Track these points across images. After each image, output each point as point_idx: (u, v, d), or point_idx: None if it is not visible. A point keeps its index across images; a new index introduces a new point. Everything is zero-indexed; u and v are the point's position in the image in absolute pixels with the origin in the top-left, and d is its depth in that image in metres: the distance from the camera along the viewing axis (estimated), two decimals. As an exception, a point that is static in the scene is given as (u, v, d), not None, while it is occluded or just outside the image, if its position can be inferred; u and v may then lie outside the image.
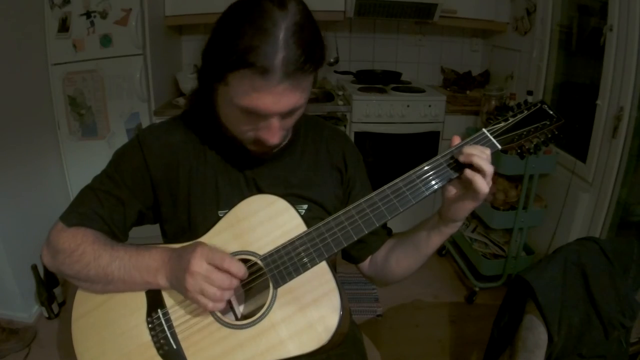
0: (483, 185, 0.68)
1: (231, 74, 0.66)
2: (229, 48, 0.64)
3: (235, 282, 0.70)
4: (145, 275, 0.75)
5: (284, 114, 0.69)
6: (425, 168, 0.72)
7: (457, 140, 0.73)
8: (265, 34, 0.63)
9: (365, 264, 0.95)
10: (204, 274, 0.68)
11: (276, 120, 0.70)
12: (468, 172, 0.68)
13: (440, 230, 0.79)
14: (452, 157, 0.72)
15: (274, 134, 0.71)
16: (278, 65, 0.63)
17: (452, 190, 0.74)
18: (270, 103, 0.66)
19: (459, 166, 0.71)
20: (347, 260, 0.96)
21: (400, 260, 0.87)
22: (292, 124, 0.76)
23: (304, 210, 0.85)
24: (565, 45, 2.16)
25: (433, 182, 0.71)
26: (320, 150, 0.91)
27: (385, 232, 0.94)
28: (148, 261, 0.76)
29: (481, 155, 0.67)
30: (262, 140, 0.72)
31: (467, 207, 0.73)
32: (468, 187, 0.70)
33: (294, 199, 0.83)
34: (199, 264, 0.69)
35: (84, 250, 0.77)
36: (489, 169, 0.67)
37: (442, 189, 0.75)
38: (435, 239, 0.81)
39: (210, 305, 0.69)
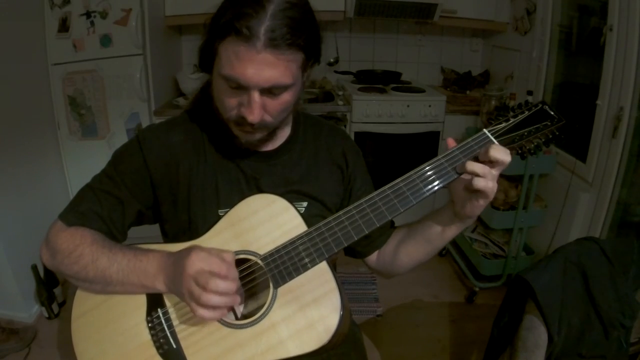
0: (483, 183, 0.69)
1: (220, 43, 0.69)
2: (222, 18, 0.68)
3: (232, 287, 0.68)
4: (144, 280, 0.75)
5: (264, 89, 0.69)
6: (426, 168, 0.72)
7: (452, 142, 0.73)
8: (255, 5, 0.66)
9: (372, 258, 0.95)
10: (198, 279, 0.67)
11: (257, 96, 0.70)
12: (475, 181, 0.69)
13: (457, 225, 0.80)
14: (453, 158, 0.72)
15: (253, 110, 0.70)
16: (261, 34, 0.65)
17: (460, 190, 0.75)
18: (251, 72, 0.67)
19: (460, 167, 0.71)
20: (352, 255, 0.96)
21: (412, 254, 0.88)
22: (278, 110, 0.74)
23: (303, 208, 0.85)
24: (565, 45, 2.17)
25: (434, 183, 0.71)
26: (319, 147, 0.91)
27: (390, 225, 0.94)
28: (146, 266, 0.75)
29: (486, 176, 0.69)
30: (242, 116, 0.72)
31: (481, 204, 0.74)
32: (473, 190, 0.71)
33: (293, 196, 0.83)
34: (193, 267, 0.68)
35: (82, 251, 0.77)
36: (491, 183, 0.69)
37: (451, 188, 0.75)
38: (450, 233, 0.81)
39: (204, 312, 0.67)
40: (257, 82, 0.68)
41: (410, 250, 0.88)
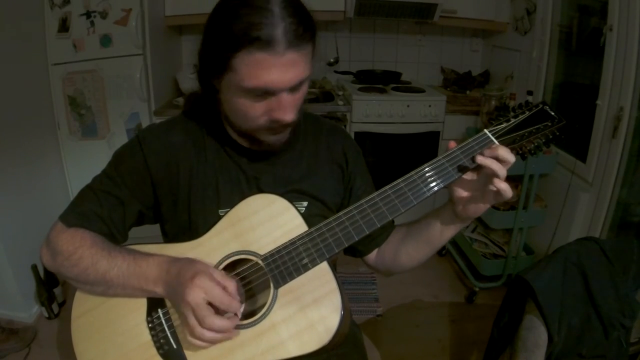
0: (509, 191, 0.69)
1: (235, 57, 0.66)
2: (229, 32, 0.66)
3: (229, 325, 0.69)
4: (144, 284, 0.75)
5: (292, 87, 0.70)
6: (427, 168, 0.72)
7: (453, 145, 0.73)
8: (261, 11, 0.65)
9: (371, 256, 0.95)
10: (196, 310, 0.67)
11: (287, 96, 0.70)
12: (497, 182, 0.69)
13: (456, 225, 0.80)
14: (454, 158, 0.72)
15: (288, 111, 0.71)
16: (280, 36, 0.64)
17: (463, 192, 0.75)
18: (279, 77, 0.67)
19: (461, 168, 0.71)
20: (351, 254, 0.95)
21: (412, 254, 0.88)
22: (301, 101, 0.75)
23: (304, 208, 0.85)
24: (565, 45, 2.16)
25: (434, 183, 0.72)
26: (320, 146, 0.91)
27: (390, 223, 0.94)
28: (145, 270, 0.75)
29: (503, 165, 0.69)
30: (277, 120, 0.72)
31: (485, 206, 0.74)
32: (487, 190, 0.71)
33: (294, 196, 0.83)
34: (193, 297, 0.67)
35: (82, 254, 0.76)
36: (503, 174, 0.69)
37: (452, 191, 0.75)
38: (449, 233, 0.82)
39: (195, 342, 0.69)
40: (285, 84, 0.68)
41: (410, 251, 0.88)
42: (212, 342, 0.70)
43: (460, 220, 0.79)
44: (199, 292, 0.67)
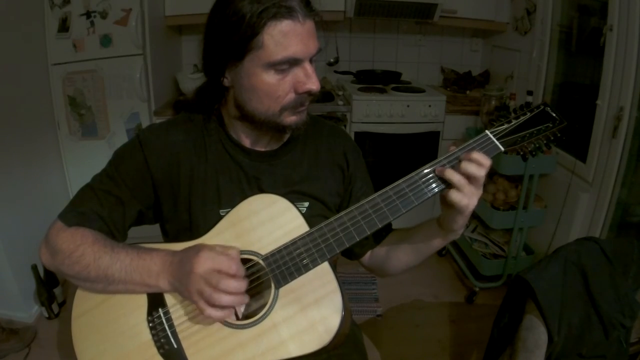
0: (457, 198, 0.68)
1: (264, 31, 0.69)
2: (255, 9, 0.69)
3: (242, 286, 0.69)
4: (147, 279, 0.75)
5: (311, 57, 0.74)
6: (428, 169, 0.72)
7: (453, 149, 0.73)
8: None
9: (366, 258, 0.96)
10: (209, 279, 0.68)
11: (310, 64, 0.74)
12: (449, 193, 0.68)
13: (440, 237, 0.80)
14: (455, 160, 0.72)
15: (314, 78, 0.74)
16: (297, 6, 0.70)
17: (445, 202, 0.75)
18: (303, 45, 0.71)
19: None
20: (347, 256, 0.96)
21: (401, 259, 0.88)
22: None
23: (305, 209, 0.85)
24: (565, 45, 2.17)
25: (435, 184, 0.72)
26: (320, 147, 0.91)
27: (387, 226, 0.94)
28: (149, 264, 0.75)
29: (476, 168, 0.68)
30: (304, 92, 0.74)
31: (457, 219, 0.73)
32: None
33: (295, 197, 0.83)
34: (203, 267, 0.68)
35: (84, 251, 0.76)
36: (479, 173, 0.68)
37: (441, 197, 0.75)
38: (435, 244, 0.82)
39: (212, 312, 0.69)
40: (310, 52, 0.73)
41: (399, 256, 0.89)
42: (229, 306, 0.69)
43: (444, 231, 0.78)
44: (207, 262, 0.69)
